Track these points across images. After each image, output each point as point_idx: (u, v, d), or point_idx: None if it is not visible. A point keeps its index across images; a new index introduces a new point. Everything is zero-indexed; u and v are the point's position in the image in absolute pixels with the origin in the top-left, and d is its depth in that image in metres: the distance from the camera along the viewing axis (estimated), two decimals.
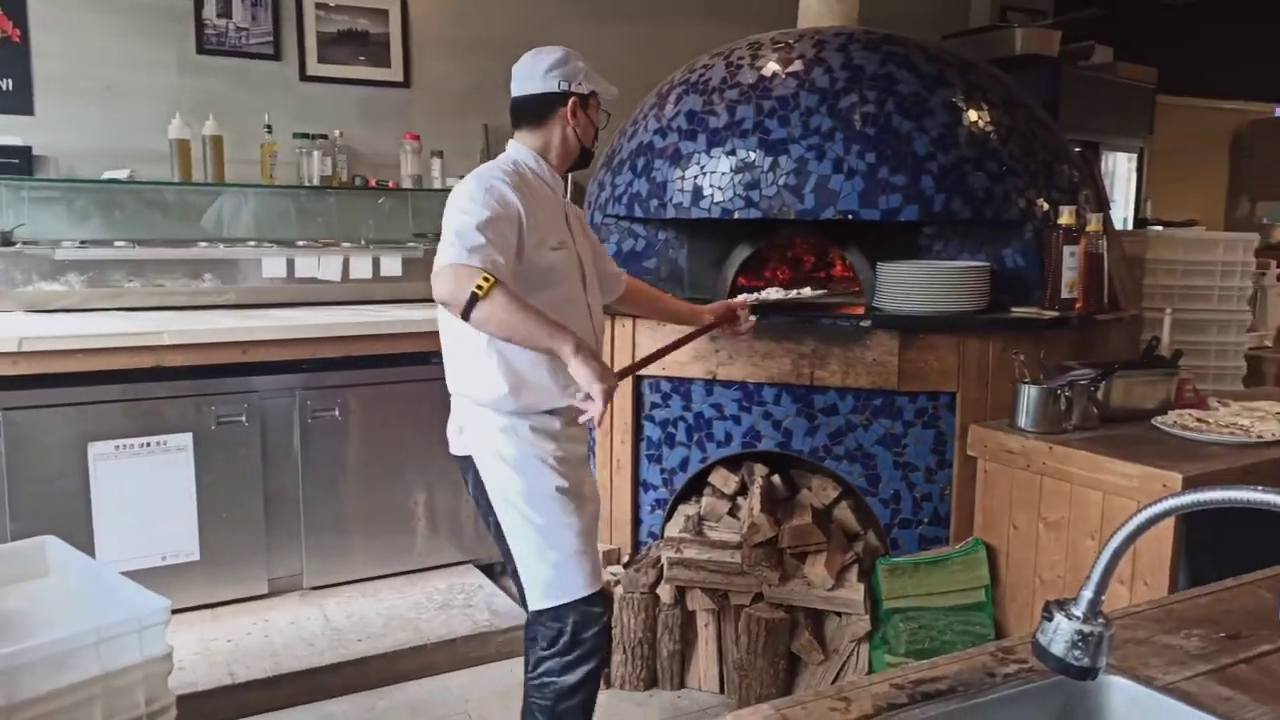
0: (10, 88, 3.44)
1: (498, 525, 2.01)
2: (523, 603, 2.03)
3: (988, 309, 2.73)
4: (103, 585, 1.92)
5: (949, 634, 2.47)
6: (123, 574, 2.04)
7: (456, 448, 2.09)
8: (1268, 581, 1.31)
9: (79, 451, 2.76)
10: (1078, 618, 0.95)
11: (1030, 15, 5.14)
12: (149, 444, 2.87)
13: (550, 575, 1.94)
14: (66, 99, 3.52)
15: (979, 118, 2.86)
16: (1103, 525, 2.21)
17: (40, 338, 2.69)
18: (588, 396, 1.73)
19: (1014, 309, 2.78)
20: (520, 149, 2.06)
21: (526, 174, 2.00)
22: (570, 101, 2.04)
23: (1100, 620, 0.95)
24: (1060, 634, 0.96)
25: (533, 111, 2.04)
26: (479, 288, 1.66)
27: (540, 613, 1.97)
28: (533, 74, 2.04)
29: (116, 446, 2.81)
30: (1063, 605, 0.97)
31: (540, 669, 2.00)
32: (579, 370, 1.73)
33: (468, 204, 1.80)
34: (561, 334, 1.74)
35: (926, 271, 2.70)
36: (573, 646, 1.96)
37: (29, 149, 3.35)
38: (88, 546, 2.73)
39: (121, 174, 3.47)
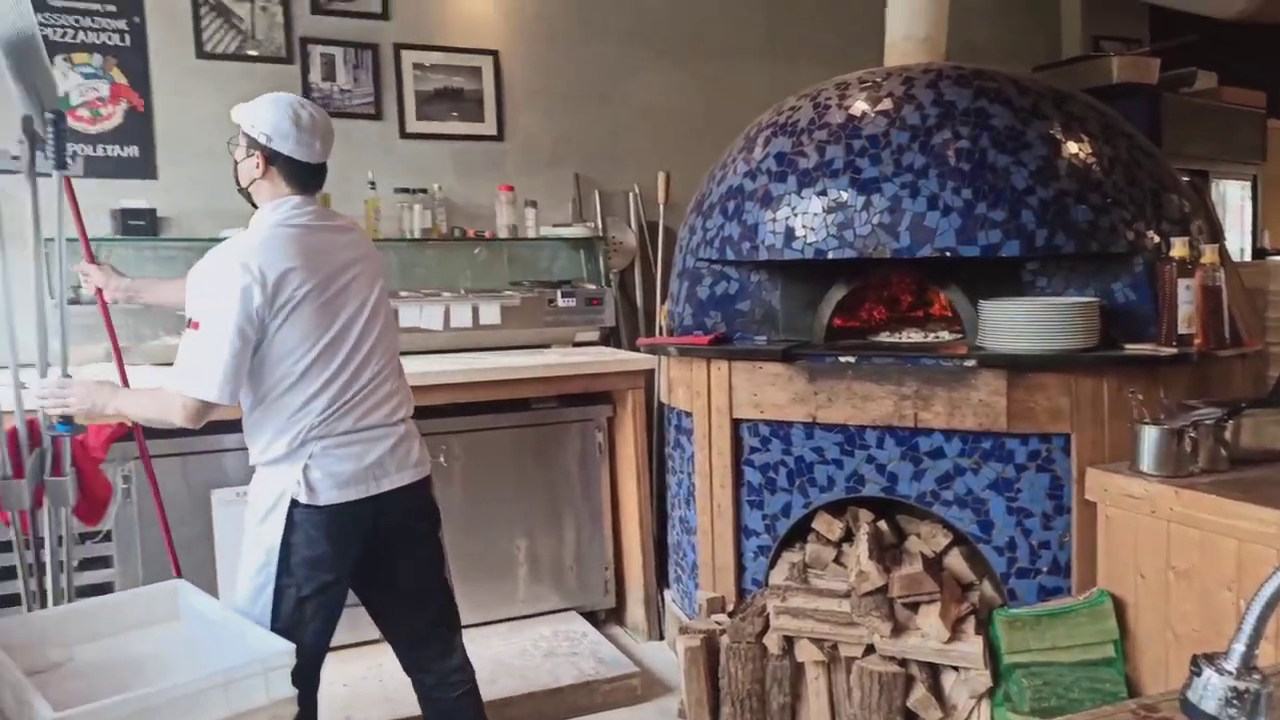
0: (137, 154, 3.68)
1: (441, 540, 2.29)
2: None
3: (1099, 346, 2.65)
4: (229, 628, 1.98)
5: (1076, 691, 2.35)
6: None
7: (425, 469, 2.22)
8: None
9: (203, 498, 2.88)
10: (1230, 673, 0.90)
11: (1125, 43, 5.02)
12: None
13: None
14: (185, 163, 3.73)
15: (1079, 149, 2.80)
16: (1240, 575, 2.09)
17: None
18: None
19: (1128, 346, 2.68)
20: (265, 210, 2.16)
21: None
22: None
23: (1256, 676, 0.90)
24: (1212, 690, 0.91)
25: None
26: None
27: None
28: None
29: (237, 493, 2.92)
30: (1212, 659, 0.92)
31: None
32: None
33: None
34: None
35: (1033, 308, 2.63)
36: None
37: (153, 211, 3.56)
38: (211, 590, 2.83)
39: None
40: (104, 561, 2.85)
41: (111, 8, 3.60)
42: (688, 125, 4.50)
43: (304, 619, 2.03)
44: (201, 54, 3.74)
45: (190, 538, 2.88)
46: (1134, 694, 2.37)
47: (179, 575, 2.43)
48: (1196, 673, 0.92)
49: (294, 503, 2.00)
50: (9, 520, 2.27)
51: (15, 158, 2.22)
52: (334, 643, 3.04)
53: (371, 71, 4.00)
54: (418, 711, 2.69)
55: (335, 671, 2.94)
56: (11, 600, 2.69)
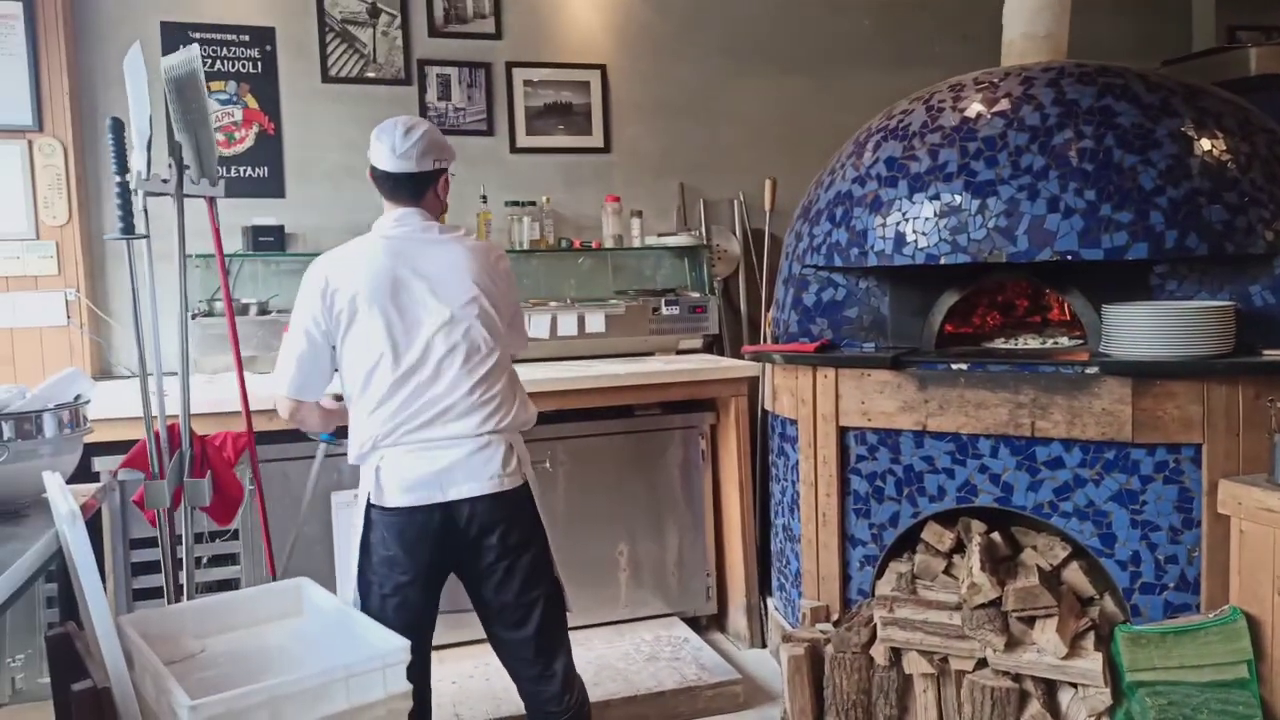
0: (266, 174, 3.89)
1: (544, 547, 2.24)
2: (563, 609, 2.29)
3: (1234, 352, 2.50)
4: (349, 625, 2.06)
5: (1205, 713, 2.22)
6: None
7: (510, 481, 2.15)
8: None
9: (324, 500, 3.02)
10: None
11: (1265, 33, 4.72)
12: None
13: None
14: (311, 182, 3.93)
15: (1213, 146, 2.66)
16: None
17: None
18: None
19: (1266, 352, 2.52)
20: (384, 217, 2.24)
21: None
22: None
23: None
24: None
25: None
26: None
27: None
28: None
29: (354, 495, 3.04)
30: None
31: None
32: None
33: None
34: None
35: (1163, 313, 2.50)
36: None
37: (281, 227, 3.76)
38: (329, 588, 2.96)
39: None
40: (231, 559, 3.01)
41: (245, 37, 3.82)
42: (793, 133, 4.47)
43: (387, 616, 2.09)
44: (327, 78, 3.94)
45: (313, 537, 3.02)
46: (1270, 718, 2.22)
47: (274, 576, 2.57)
48: None
49: (369, 502, 2.13)
50: (154, 518, 2.43)
51: (165, 180, 2.38)
52: (444, 641, 3.17)
53: (484, 89, 4.13)
54: (519, 711, 2.75)
55: (445, 669, 3.03)
56: (150, 593, 2.89)
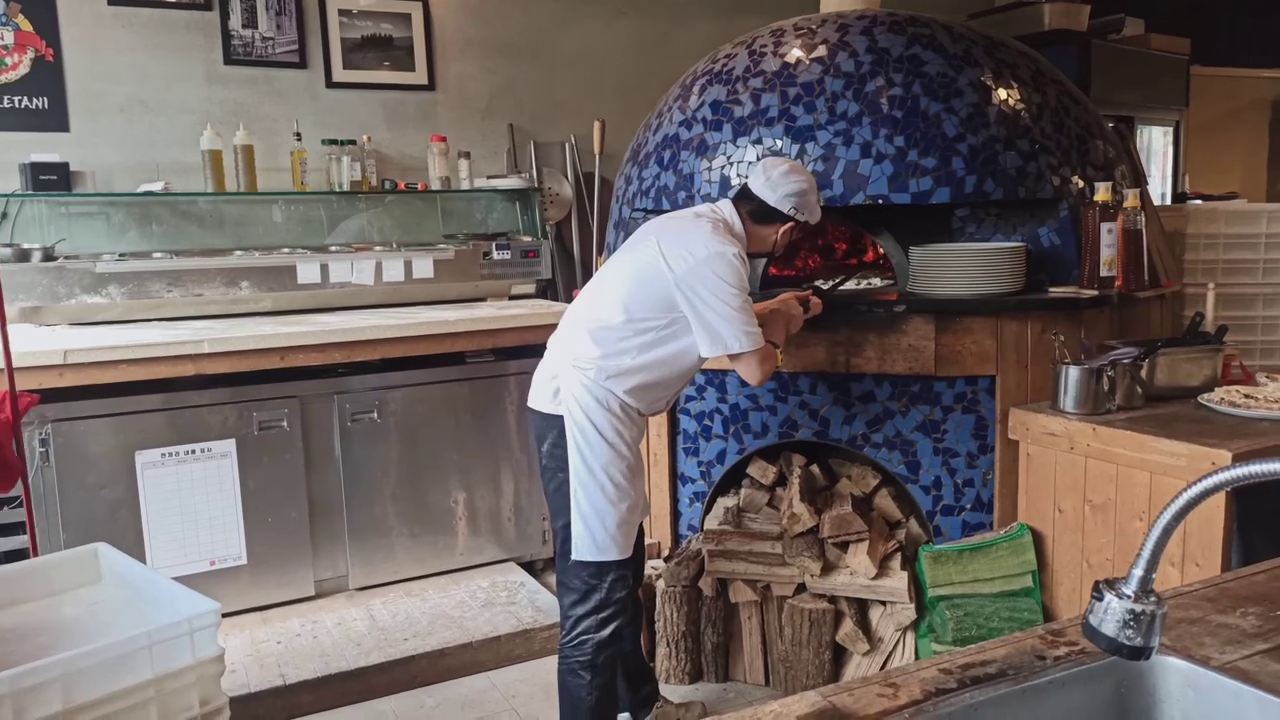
0: (46, 106, 3.51)
1: (565, 482, 2.20)
2: (563, 555, 2.22)
3: (1025, 290, 2.70)
4: (154, 590, 1.95)
5: (996, 620, 2.44)
6: (173, 579, 2.07)
7: (546, 406, 2.23)
8: None
9: (126, 460, 2.81)
10: (1129, 596, 0.93)
11: None
12: (194, 451, 2.92)
13: (603, 536, 2.16)
14: (100, 115, 3.59)
15: (1009, 96, 2.82)
16: (1151, 506, 2.17)
17: (84, 350, 2.74)
18: None
19: (1052, 289, 2.74)
20: (737, 221, 2.33)
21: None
22: (789, 224, 2.34)
23: (1152, 599, 0.93)
24: (1111, 614, 0.94)
25: (760, 212, 2.33)
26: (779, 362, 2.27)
27: (584, 565, 2.17)
28: (776, 187, 2.29)
29: (162, 454, 2.86)
30: (1113, 584, 0.95)
31: (577, 629, 2.19)
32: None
33: (734, 292, 2.15)
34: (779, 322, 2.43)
35: (960, 254, 2.66)
36: (605, 604, 2.18)
37: (66, 165, 3.42)
38: (138, 553, 2.78)
39: (156, 186, 3.53)
40: (22, 527, 2.77)
41: None
42: (624, 75, 4.44)
43: None
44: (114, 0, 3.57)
45: (114, 500, 2.81)
46: (1050, 619, 2.46)
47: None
48: (1098, 597, 0.95)
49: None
50: None
51: None
52: (267, 601, 3.08)
53: (295, 18, 3.86)
54: (352, 666, 2.71)
55: (270, 629, 2.93)
56: None
